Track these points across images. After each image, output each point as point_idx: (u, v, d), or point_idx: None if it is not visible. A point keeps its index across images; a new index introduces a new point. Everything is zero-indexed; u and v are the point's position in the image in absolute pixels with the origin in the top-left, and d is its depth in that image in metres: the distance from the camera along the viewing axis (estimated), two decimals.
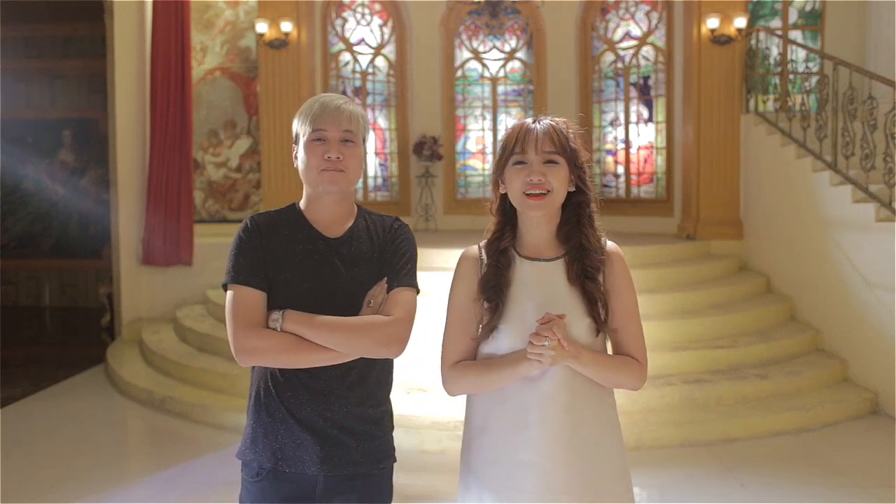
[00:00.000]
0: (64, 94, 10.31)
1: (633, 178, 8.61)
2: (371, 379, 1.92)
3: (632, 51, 8.54)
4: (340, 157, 1.87)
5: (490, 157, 9.18)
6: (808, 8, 8.15)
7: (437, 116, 9.01)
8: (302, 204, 1.96)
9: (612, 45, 8.71)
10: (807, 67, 7.66)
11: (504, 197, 1.89)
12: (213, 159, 7.81)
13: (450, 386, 1.91)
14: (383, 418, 1.96)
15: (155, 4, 7.38)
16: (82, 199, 10.02)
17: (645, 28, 8.46)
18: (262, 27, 7.36)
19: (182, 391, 5.49)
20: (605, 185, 8.78)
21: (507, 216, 1.91)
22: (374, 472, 1.92)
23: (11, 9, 8.09)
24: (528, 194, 1.81)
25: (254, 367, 1.94)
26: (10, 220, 10.25)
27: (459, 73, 9.18)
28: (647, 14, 8.46)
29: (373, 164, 8.85)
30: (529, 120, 1.88)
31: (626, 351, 1.88)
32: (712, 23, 7.21)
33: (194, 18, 7.60)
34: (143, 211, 7.47)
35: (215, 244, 7.19)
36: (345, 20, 8.73)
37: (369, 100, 8.79)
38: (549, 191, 1.81)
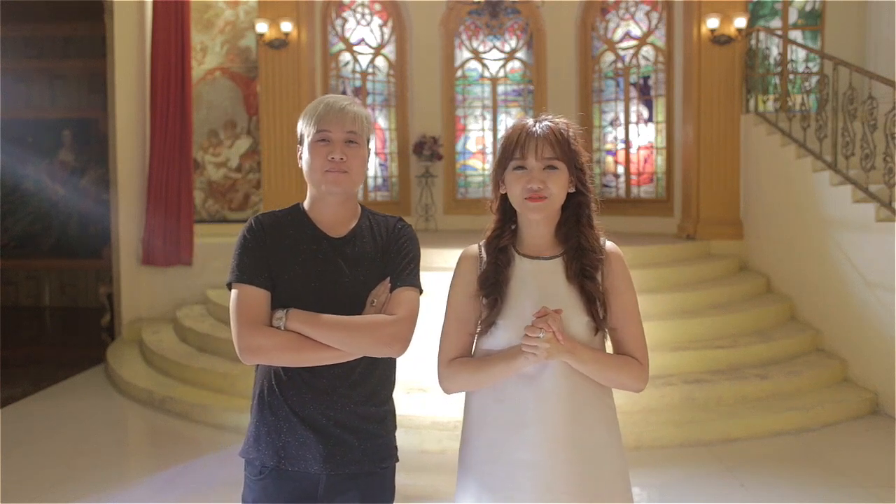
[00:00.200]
0: (64, 94, 10.31)
1: (633, 178, 8.61)
2: (374, 378, 1.93)
3: (632, 51, 8.54)
4: (344, 157, 1.88)
5: (490, 157, 9.18)
6: (808, 8, 8.15)
7: (437, 116, 9.01)
8: (306, 204, 1.97)
9: (612, 45, 8.71)
10: (807, 67, 7.66)
11: (504, 196, 1.90)
12: (213, 159, 7.81)
13: (446, 383, 1.91)
14: (386, 417, 1.97)
15: (155, 4, 7.38)
16: (82, 199, 10.03)
17: (645, 28, 8.46)
18: (262, 27, 7.36)
19: (182, 391, 5.49)
20: (605, 185, 8.78)
21: (508, 215, 1.92)
22: (376, 471, 1.93)
23: (11, 9, 8.10)
24: (527, 198, 1.83)
25: (258, 365, 1.96)
26: (10, 220, 10.26)
27: (459, 73, 9.18)
28: (647, 14, 8.46)
29: (373, 164, 8.85)
30: (530, 121, 1.88)
31: (626, 351, 1.88)
32: (712, 23, 7.21)
33: (194, 18, 7.60)
34: (143, 211, 7.47)
35: (215, 244, 7.23)
36: (345, 20, 8.74)
37: (369, 100, 8.79)
38: (548, 197, 1.82)
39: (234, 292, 1.87)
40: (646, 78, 8.47)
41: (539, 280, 1.86)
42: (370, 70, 8.86)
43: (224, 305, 6.33)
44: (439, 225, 8.80)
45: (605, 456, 1.85)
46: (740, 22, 7.23)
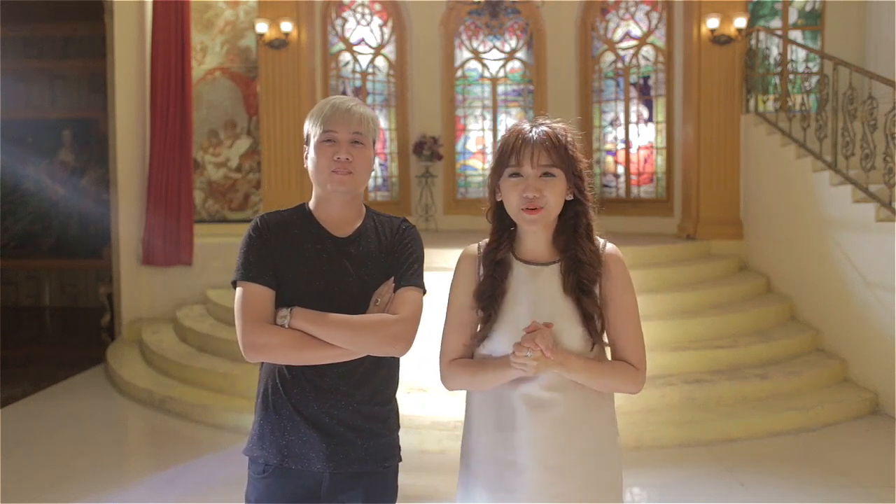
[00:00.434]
0: (64, 94, 10.30)
1: (633, 178, 8.61)
2: (377, 377, 1.94)
3: (632, 51, 8.54)
4: (350, 158, 1.89)
5: (490, 157, 9.18)
6: (808, 8, 8.15)
7: (437, 116, 9.01)
8: (311, 204, 1.99)
9: (612, 45, 8.71)
10: (807, 67, 7.67)
11: (500, 203, 1.87)
12: (213, 159, 7.81)
13: (446, 382, 1.92)
14: (389, 417, 1.98)
15: (155, 4, 7.38)
16: (82, 199, 10.02)
17: (645, 28, 8.46)
18: (262, 27, 7.36)
19: (182, 391, 5.49)
20: (605, 185, 8.78)
21: (504, 222, 1.89)
22: (379, 471, 1.94)
23: (11, 9, 8.09)
24: (523, 209, 1.80)
25: (262, 364, 1.97)
26: (10, 220, 10.25)
27: (459, 73, 9.18)
28: (647, 14, 8.46)
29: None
30: (526, 126, 1.84)
31: (623, 356, 1.87)
32: (712, 23, 7.21)
33: (194, 18, 7.60)
34: (143, 211, 7.47)
35: (215, 244, 7.23)
36: (345, 20, 8.74)
37: (369, 100, 8.79)
38: (544, 206, 1.80)
39: (238, 290, 1.88)
40: (646, 78, 8.47)
41: (536, 287, 1.84)
42: (370, 70, 8.86)
43: (224, 305, 6.34)
44: (439, 225, 8.80)
45: (599, 463, 1.84)
46: (740, 22, 7.23)
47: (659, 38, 8.34)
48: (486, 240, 1.93)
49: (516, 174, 1.81)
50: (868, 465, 4.36)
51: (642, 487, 4.24)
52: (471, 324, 1.90)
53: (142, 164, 7.55)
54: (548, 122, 1.86)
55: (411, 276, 1.92)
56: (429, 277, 1.98)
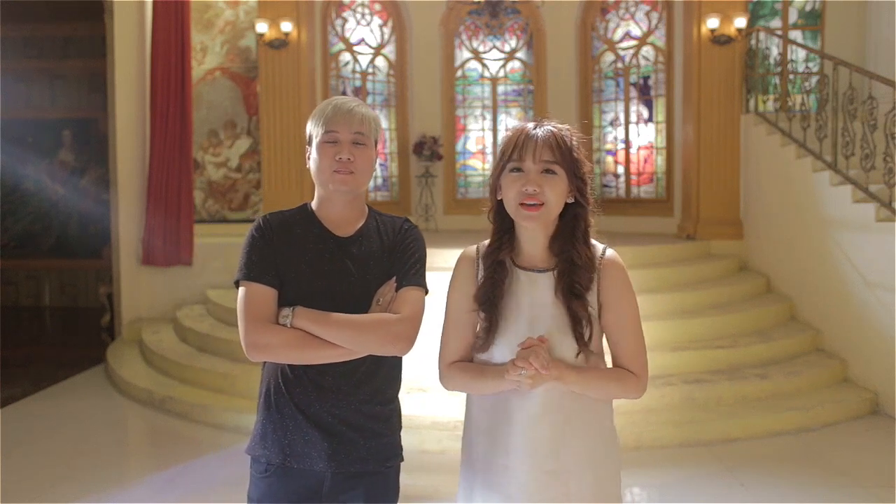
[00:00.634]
0: (64, 94, 10.30)
1: (633, 178, 8.61)
2: (378, 377, 1.94)
3: (632, 51, 8.54)
4: (352, 158, 1.90)
5: (490, 157, 9.19)
6: (808, 8, 8.15)
7: (437, 116, 9.01)
8: (314, 204, 1.99)
9: (612, 45, 8.72)
10: (807, 67, 7.66)
11: (501, 202, 1.84)
12: (213, 159, 7.81)
13: (446, 383, 1.92)
14: (391, 417, 1.99)
15: (155, 4, 7.38)
16: (82, 199, 10.02)
17: (645, 28, 8.46)
18: (262, 27, 7.36)
19: (182, 391, 5.49)
20: (605, 185, 8.78)
21: (505, 223, 1.86)
22: (380, 471, 1.94)
23: (11, 9, 8.09)
24: (522, 204, 1.77)
25: (265, 363, 1.98)
26: (10, 220, 10.25)
27: (459, 73, 9.18)
28: (647, 14, 8.46)
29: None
30: (531, 125, 1.82)
31: (621, 363, 1.85)
32: (712, 23, 7.21)
33: (194, 18, 7.60)
34: (143, 211, 7.47)
35: (215, 244, 7.23)
36: (345, 20, 8.74)
37: (369, 100, 8.79)
38: (543, 203, 1.77)
39: (241, 290, 1.89)
40: (646, 78, 8.47)
41: (532, 294, 1.83)
42: (370, 70, 8.86)
43: (224, 305, 6.34)
44: (439, 225, 8.80)
45: (594, 465, 1.84)
46: (740, 22, 7.23)
47: (659, 38, 8.34)
48: (486, 241, 1.92)
49: (517, 169, 1.79)
50: (868, 465, 4.36)
51: (642, 487, 4.24)
52: (469, 325, 1.89)
53: (142, 164, 7.55)
54: (553, 122, 1.84)
55: (413, 275, 1.92)
56: (429, 277, 1.98)
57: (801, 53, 7.69)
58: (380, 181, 8.96)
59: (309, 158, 1.96)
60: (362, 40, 8.83)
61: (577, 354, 1.78)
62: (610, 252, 1.87)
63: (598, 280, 1.83)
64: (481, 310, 1.84)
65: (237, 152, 7.81)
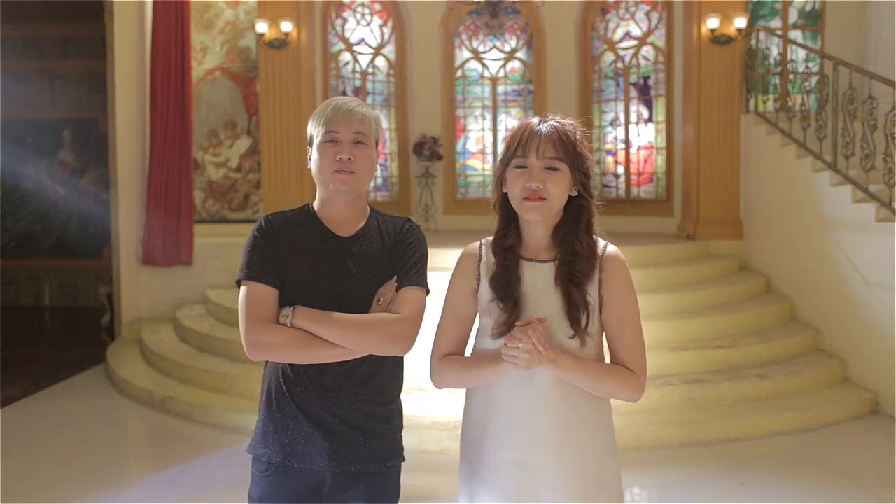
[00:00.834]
0: (64, 94, 10.30)
1: (633, 178, 8.61)
2: (379, 377, 1.94)
3: (632, 51, 8.55)
4: (352, 157, 1.90)
5: (490, 157, 9.19)
6: (808, 8, 8.15)
7: (437, 116, 9.01)
8: (315, 204, 2.00)
9: (612, 45, 8.72)
10: (807, 67, 7.67)
11: (506, 195, 1.88)
12: (213, 159, 7.81)
13: (435, 378, 1.92)
14: (392, 417, 1.99)
15: (155, 4, 7.38)
16: (82, 199, 10.02)
17: (645, 28, 8.46)
18: (262, 27, 7.36)
19: (182, 391, 5.49)
20: (605, 185, 8.78)
21: (510, 213, 1.89)
22: (381, 471, 1.94)
23: (11, 9, 8.09)
24: (526, 198, 1.80)
25: (266, 363, 1.98)
26: (10, 220, 10.25)
27: (459, 73, 9.18)
28: (647, 14, 8.46)
29: None
30: (535, 120, 1.85)
31: (620, 359, 1.86)
32: (712, 23, 7.21)
33: (194, 18, 7.60)
34: (143, 211, 7.47)
35: (215, 244, 7.23)
36: (345, 20, 8.74)
37: (369, 100, 8.79)
38: (546, 198, 1.79)
39: (243, 289, 1.90)
40: (646, 78, 8.47)
41: (534, 284, 1.84)
42: (370, 70, 8.86)
43: (224, 305, 6.34)
44: (439, 225, 8.80)
45: (596, 462, 1.84)
46: (740, 22, 7.23)
47: (659, 38, 8.34)
48: (489, 238, 1.93)
49: (521, 165, 1.82)
50: (868, 465, 4.36)
51: (642, 487, 4.24)
52: (466, 320, 1.91)
53: (142, 164, 7.55)
54: (557, 117, 1.86)
55: (414, 275, 1.92)
56: (429, 277, 1.98)
57: (801, 53, 7.69)
58: (380, 181, 8.96)
59: (310, 159, 1.97)
60: (362, 40, 8.83)
61: (573, 337, 1.79)
62: (612, 248, 1.89)
63: (600, 275, 1.84)
64: (500, 298, 1.83)
65: (237, 152, 7.81)
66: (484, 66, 9.20)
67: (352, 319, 1.84)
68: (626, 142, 8.62)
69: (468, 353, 1.96)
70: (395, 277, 1.92)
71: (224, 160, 7.81)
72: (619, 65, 8.66)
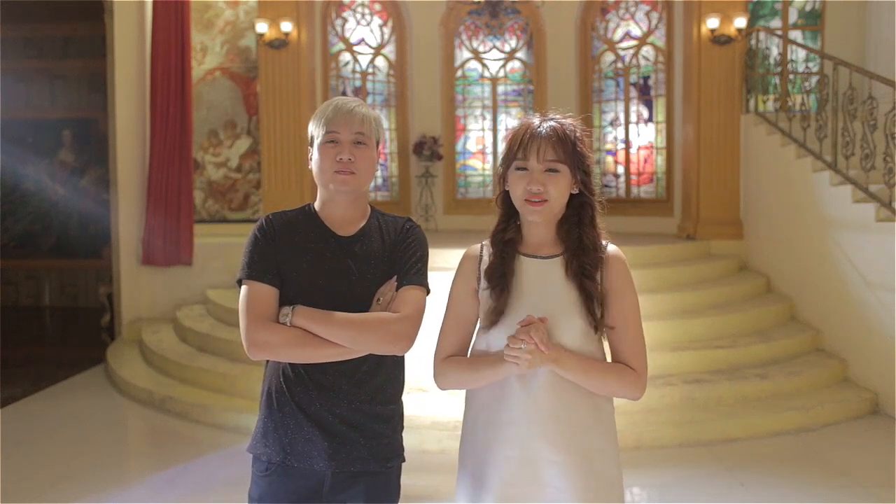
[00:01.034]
0: (64, 94, 10.30)
1: (633, 178, 8.61)
2: (379, 377, 1.94)
3: (632, 51, 8.54)
4: (352, 158, 1.91)
5: (490, 158, 9.19)
6: (808, 8, 8.15)
7: (437, 116, 9.01)
8: (316, 204, 2.00)
9: (612, 45, 8.72)
10: (807, 67, 7.66)
11: (508, 192, 1.90)
12: (213, 159, 7.81)
13: (438, 379, 1.93)
14: (393, 417, 1.99)
15: (155, 4, 7.38)
16: (82, 199, 10.02)
17: (645, 28, 8.46)
18: (262, 27, 7.36)
19: (182, 391, 5.49)
20: (606, 185, 8.78)
21: (512, 209, 1.91)
22: (381, 471, 1.94)
23: (11, 9, 8.09)
24: (527, 200, 1.82)
25: (267, 362, 1.98)
26: (10, 220, 10.25)
27: (459, 73, 9.18)
28: (647, 14, 8.46)
29: None
30: (536, 120, 1.87)
31: (621, 358, 1.87)
32: (712, 23, 7.21)
33: (194, 18, 7.60)
34: (143, 211, 7.47)
35: (215, 244, 7.23)
36: (345, 20, 8.74)
37: (369, 100, 8.80)
38: (547, 199, 1.82)
39: (243, 288, 1.90)
40: (646, 78, 8.47)
41: (537, 279, 1.86)
42: (370, 70, 8.86)
43: (224, 305, 6.34)
44: (439, 225, 8.80)
45: (598, 461, 1.84)
46: (740, 22, 7.23)
47: (659, 38, 8.34)
48: (487, 241, 1.94)
49: (522, 167, 1.84)
50: (868, 465, 4.36)
51: (642, 487, 4.24)
52: (468, 321, 1.91)
53: (142, 164, 7.55)
54: (557, 117, 1.88)
55: (414, 275, 1.93)
56: (429, 277, 1.98)
57: (801, 53, 7.69)
58: (380, 181, 8.96)
59: (311, 159, 1.97)
60: (362, 40, 8.83)
61: (596, 331, 1.82)
62: (613, 247, 1.91)
63: (602, 273, 1.86)
64: (491, 287, 1.86)
65: (237, 152, 7.81)
66: (484, 66, 9.20)
67: (351, 319, 1.84)
68: (626, 142, 8.62)
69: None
70: (395, 277, 1.92)
71: (224, 160, 7.81)
72: (619, 65, 8.66)
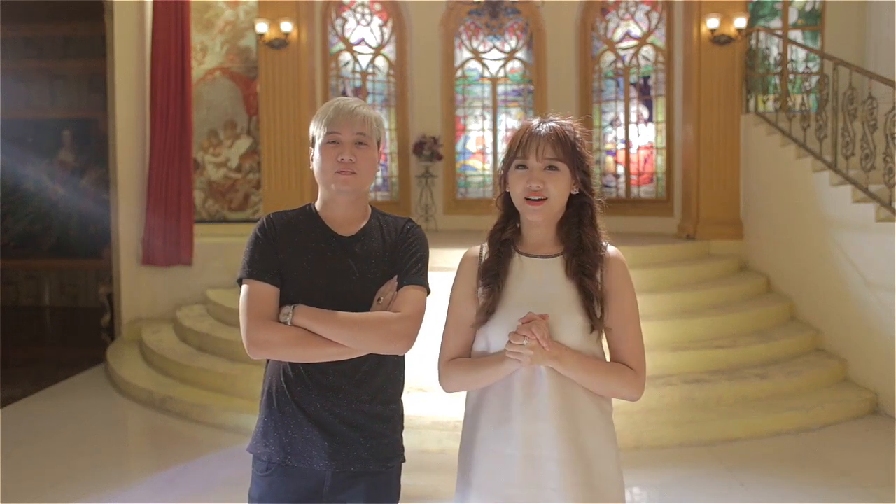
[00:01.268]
0: (64, 94, 10.30)
1: (633, 178, 8.61)
2: (380, 377, 1.94)
3: (632, 51, 8.55)
4: (353, 158, 1.91)
5: (490, 157, 9.20)
6: (808, 8, 8.15)
7: (437, 116, 9.01)
8: (317, 204, 2.01)
9: (612, 45, 8.72)
10: (807, 67, 7.66)
11: (508, 193, 1.91)
12: (213, 159, 7.81)
13: (443, 382, 1.94)
14: (393, 417, 1.99)
15: (155, 4, 7.38)
16: (82, 199, 10.02)
17: (645, 28, 8.46)
18: (262, 27, 7.37)
19: (182, 391, 5.49)
20: (605, 185, 8.78)
21: (512, 210, 1.92)
22: (381, 471, 1.94)
23: (11, 9, 8.09)
24: (527, 199, 1.84)
25: (268, 361, 1.98)
26: (10, 220, 10.25)
27: (459, 73, 9.18)
28: (647, 14, 8.46)
29: None
30: (535, 121, 1.88)
31: (620, 358, 1.88)
32: (712, 23, 7.21)
33: (194, 18, 7.60)
34: (143, 211, 7.47)
35: (215, 244, 7.23)
36: (345, 20, 8.74)
37: (369, 100, 8.79)
38: (547, 198, 1.83)
39: (244, 288, 1.91)
40: (646, 78, 8.47)
41: (536, 278, 1.87)
42: (370, 70, 8.86)
43: (224, 305, 6.34)
44: (439, 225, 8.80)
45: (597, 459, 1.84)
46: (740, 22, 7.23)
47: (659, 38, 8.34)
48: (489, 234, 1.95)
49: (522, 166, 1.85)
50: (868, 465, 4.36)
51: (642, 487, 4.24)
52: (470, 321, 1.91)
53: (142, 164, 7.55)
54: (557, 118, 1.90)
55: (414, 275, 1.93)
56: (429, 277, 1.98)
57: (801, 53, 7.69)
58: (380, 181, 8.96)
59: (312, 160, 1.98)
60: (362, 40, 8.83)
61: (592, 331, 1.82)
62: (612, 248, 1.92)
63: (601, 273, 1.87)
64: (484, 284, 1.87)
65: (237, 152, 7.81)
66: (484, 66, 9.20)
67: (352, 318, 1.85)
68: (626, 142, 8.62)
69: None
70: (396, 277, 1.93)
71: (224, 160, 7.81)
72: (619, 65, 8.66)
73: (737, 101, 7.30)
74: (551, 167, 1.83)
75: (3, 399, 5.75)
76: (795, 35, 8.10)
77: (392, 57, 8.99)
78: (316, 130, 1.96)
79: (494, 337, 1.85)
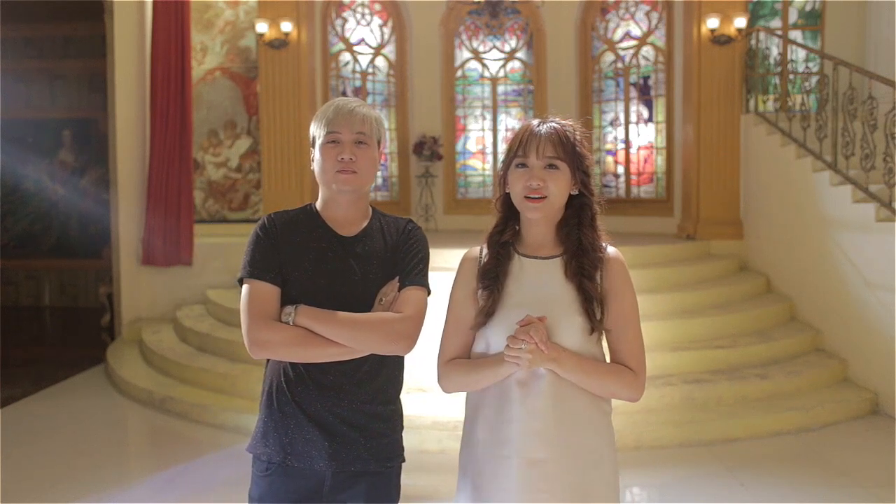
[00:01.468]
0: (64, 94, 10.31)
1: (633, 178, 8.61)
2: (380, 377, 1.95)
3: (632, 51, 8.54)
4: (354, 158, 1.92)
5: (490, 157, 9.20)
6: (808, 8, 8.15)
7: (437, 116, 9.01)
8: (318, 204, 2.01)
9: (612, 45, 8.72)
10: (807, 67, 7.66)
11: (508, 194, 1.91)
12: (213, 159, 7.81)
13: (442, 382, 1.94)
14: (393, 417, 1.99)
15: (155, 4, 7.38)
16: (82, 199, 10.02)
17: (645, 28, 8.46)
18: (262, 27, 7.37)
19: (182, 391, 5.49)
20: (605, 185, 8.78)
21: (511, 212, 1.92)
22: (381, 471, 1.94)
23: (11, 9, 8.09)
24: (527, 197, 1.84)
25: (268, 361, 1.98)
26: (10, 220, 10.26)
27: (459, 73, 9.18)
28: (647, 14, 8.46)
29: None
30: (535, 122, 1.89)
31: (620, 359, 1.88)
32: (712, 23, 7.21)
33: (194, 18, 7.60)
34: (143, 211, 7.48)
35: (215, 244, 7.23)
36: (345, 20, 8.74)
37: (369, 100, 8.79)
38: (546, 196, 1.83)
39: (245, 287, 1.90)
40: (646, 78, 8.47)
41: (536, 279, 1.86)
42: (370, 70, 8.86)
43: (224, 305, 6.33)
44: (439, 225, 8.80)
45: (593, 459, 1.84)
46: (740, 22, 7.23)
47: (659, 38, 8.34)
48: (488, 235, 1.95)
49: (522, 164, 1.85)
50: (868, 465, 4.36)
51: (642, 487, 4.24)
52: (470, 321, 1.91)
53: (142, 164, 7.55)
54: (557, 119, 1.90)
55: (416, 275, 1.94)
56: (430, 277, 1.98)
57: (801, 53, 7.69)
58: (380, 181, 8.96)
59: (313, 160, 1.98)
60: (362, 40, 8.83)
61: (591, 332, 1.82)
62: (612, 249, 1.92)
63: (601, 274, 1.87)
64: (483, 286, 1.87)
65: (237, 152, 7.81)
66: (484, 66, 9.20)
67: (354, 318, 1.85)
68: (626, 142, 8.62)
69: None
70: (397, 277, 1.93)
71: (224, 160, 7.81)
72: (619, 65, 8.66)
73: (737, 101, 7.30)
74: (551, 166, 1.83)
75: (3, 399, 5.75)
76: (795, 35, 8.10)
77: (392, 57, 8.99)
78: (316, 131, 1.96)
79: (494, 338, 1.85)
